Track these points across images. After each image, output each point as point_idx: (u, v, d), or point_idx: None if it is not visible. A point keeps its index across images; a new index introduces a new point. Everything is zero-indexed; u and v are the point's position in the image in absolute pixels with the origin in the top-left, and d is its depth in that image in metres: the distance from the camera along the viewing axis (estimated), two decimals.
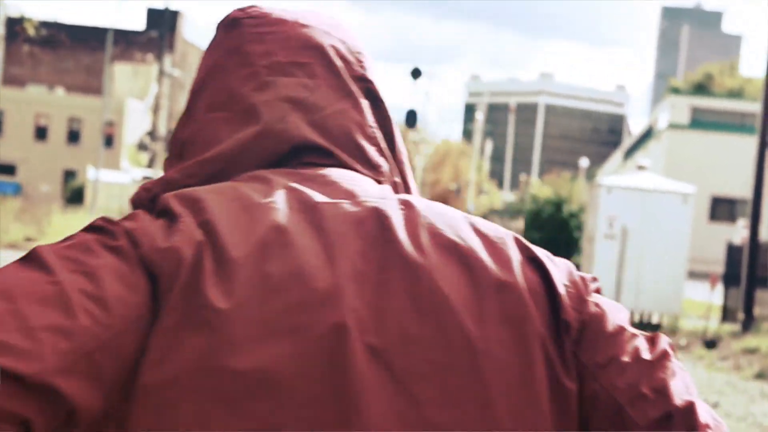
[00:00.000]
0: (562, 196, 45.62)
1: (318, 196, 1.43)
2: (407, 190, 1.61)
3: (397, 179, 1.60)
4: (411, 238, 1.42)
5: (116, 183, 60.60)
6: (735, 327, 24.90)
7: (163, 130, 42.30)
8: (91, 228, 1.42)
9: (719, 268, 32.59)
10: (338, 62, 1.59)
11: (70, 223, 47.31)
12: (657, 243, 26.39)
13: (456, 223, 1.47)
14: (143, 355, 1.28)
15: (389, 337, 1.35)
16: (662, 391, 1.43)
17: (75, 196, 65.76)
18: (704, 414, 1.43)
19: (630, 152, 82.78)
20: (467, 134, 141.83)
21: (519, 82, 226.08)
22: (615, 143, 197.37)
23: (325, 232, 1.39)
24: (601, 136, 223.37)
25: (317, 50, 1.58)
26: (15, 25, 26.27)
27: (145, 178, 41.31)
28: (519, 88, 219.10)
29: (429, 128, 56.32)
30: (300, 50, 1.57)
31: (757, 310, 24.63)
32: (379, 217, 1.43)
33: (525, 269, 1.47)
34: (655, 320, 26.49)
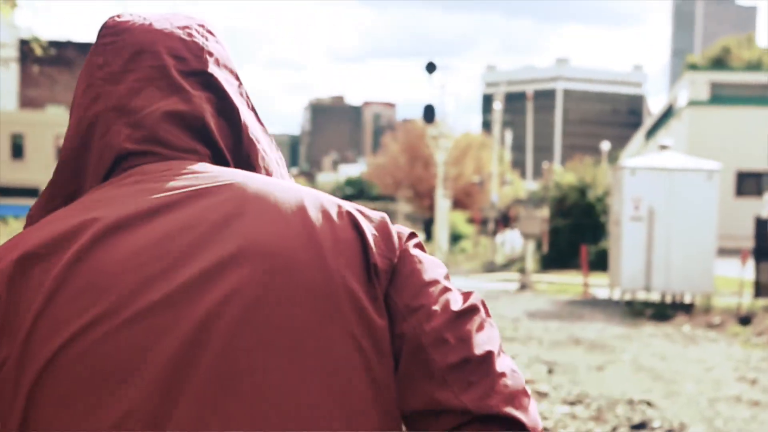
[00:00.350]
0: (586, 182, 45.38)
1: (133, 195, 1.65)
2: (253, 165, 1.80)
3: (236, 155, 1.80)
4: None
5: None
6: None
7: None
8: None
9: (749, 244, 32.31)
10: (170, 61, 1.74)
11: None
12: (684, 222, 26.24)
13: (272, 191, 1.69)
14: None
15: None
16: (464, 340, 1.64)
17: None
18: (502, 364, 1.64)
19: (651, 132, 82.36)
20: (487, 126, 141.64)
21: (535, 69, 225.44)
22: (636, 124, 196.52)
23: (128, 216, 1.63)
24: (621, 117, 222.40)
25: (150, 54, 1.73)
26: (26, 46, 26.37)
27: None
28: (535, 75, 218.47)
29: (447, 122, 56.02)
30: (133, 57, 1.73)
31: None
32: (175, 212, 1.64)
33: (340, 225, 1.68)
34: (687, 300, 26.32)
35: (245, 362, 1.55)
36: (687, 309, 25.23)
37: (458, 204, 75.15)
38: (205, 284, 1.57)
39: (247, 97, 1.84)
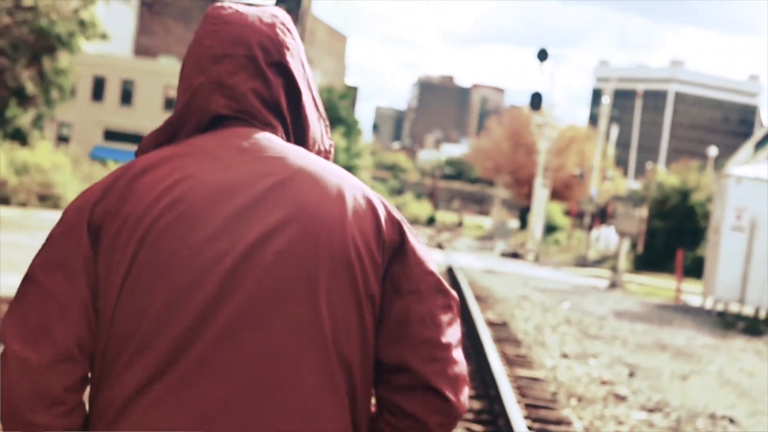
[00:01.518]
0: (689, 185, 44.50)
1: (214, 148, 2.26)
2: (303, 140, 2.39)
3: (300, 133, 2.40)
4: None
5: None
6: None
7: None
8: None
9: None
10: (259, 53, 2.32)
11: None
12: None
13: (308, 167, 2.26)
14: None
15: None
16: (439, 326, 2.23)
17: None
18: (457, 355, 2.24)
19: (761, 144, 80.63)
20: (594, 120, 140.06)
21: (648, 69, 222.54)
22: (746, 134, 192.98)
23: (212, 157, 2.24)
24: (732, 126, 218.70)
25: (244, 45, 2.31)
26: None
27: None
28: (648, 74, 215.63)
29: (554, 112, 55.40)
30: (231, 45, 2.31)
31: None
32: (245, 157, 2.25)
33: (362, 205, 2.25)
34: None
35: (269, 295, 2.15)
36: None
37: (556, 195, 74.46)
38: (254, 224, 2.17)
39: (308, 80, 2.42)
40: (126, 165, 2.26)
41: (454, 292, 2.30)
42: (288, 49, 2.37)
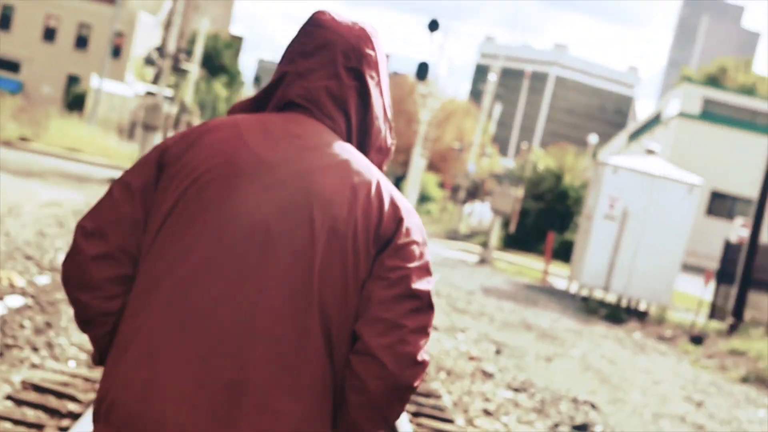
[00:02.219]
0: (565, 169, 45.12)
1: (275, 126, 2.71)
2: (367, 138, 2.82)
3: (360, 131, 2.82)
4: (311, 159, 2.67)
5: (119, 94, 59.93)
6: (722, 325, 24.56)
7: (172, 47, 41.57)
8: None
9: (710, 263, 32.18)
10: (339, 57, 2.75)
11: (68, 129, 46.71)
12: (656, 230, 26.02)
13: (342, 158, 2.69)
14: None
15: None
16: (402, 314, 2.60)
17: (76, 103, 65.07)
18: (414, 340, 2.60)
19: (635, 135, 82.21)
20: (475, 95, 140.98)
21: (533, 50, 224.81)
22: (619, 124, 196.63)
23: (268, 134, 2.70)
24: (607, 115, 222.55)
25: (329, 48, 2.76)
26: None
27: (149, 93, 40.76)
28: (532, 55, 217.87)
29: (439, 83, 55.55)
30: (319, 47, 2.77)
31: (747, 313, 24.27)
32: (293, 142, 2.69)
33: (373, 197, 2.66)
34: (642, 307, 26.16)
35: (275, 256, 2.59)
36: (641, 316, 25.07)
37: (432, 167, 74.83)
38: (276, 198, 2.62)
39: (382, 88, 2.84)
40: (205, 121, 2.77)
41: (424, 286, 2.66)
42: (366, 59, 2.80)
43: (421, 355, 2.61)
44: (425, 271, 2.68)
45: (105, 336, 2.73)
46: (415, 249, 2.66)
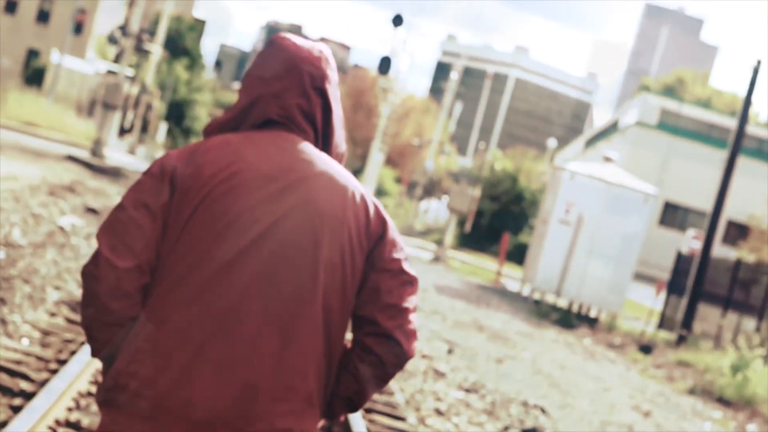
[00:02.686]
0: (522, 172, 45.25)
1: (263, 142, 3.11)
2: (328, 145, 3.24)
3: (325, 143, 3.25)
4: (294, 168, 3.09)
5: (79, 71, 59.40)
6: (670, 336, 24.76)
7: (135, 26, 41.24)
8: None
9: (661, 273, 32.39)
10: (306, 79, 3.17)
11: (26, 103, 46.23)
12: (610, 237, 26.16)
13: (328, 171, 3.12)
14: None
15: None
16: (402, 296, 3.10)
17: (35, 77, 64.43)
18: (413, 317, 3.12)
19: (592, 141, 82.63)
20: (435, 92, 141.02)
21: (494, 51, 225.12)
22: (576, 129, 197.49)
23: (259, 148, 3.09)
24: (565, 119, 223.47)
25: (296, 70, 3.17)
26: None
27: (110, 72, 40.46)
28: (493, 56, 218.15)
29: (400, 78, 55.48)
30: (287, 69, 3.17)
31: (696, 325, 24.47)
32: (284, 153, 3.10)
33: (359, 204, 3.11)
34: (593, 314, 26.30)
35: (284, 256, 2.99)
36: (591, 323, 25.21)
37: (389, 162, 74.75)
38: (280, 204, 3.02)
39: (337, 101, 3.26)
40: (201, 141, 3.16)
41: (413, 273, 3.19)
42: (327, 78, 3.23)
43: (415, 330, 3.18)
44: (406, 258, 3.20)
45: (121, 338, 3.06)
46: (399, 242, 3.19)
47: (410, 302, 3.14)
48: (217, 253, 3.00)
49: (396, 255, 3.15)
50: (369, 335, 3.10)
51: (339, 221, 3.06)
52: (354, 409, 3.24)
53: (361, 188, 3.17)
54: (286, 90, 3.17)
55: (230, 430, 2.94)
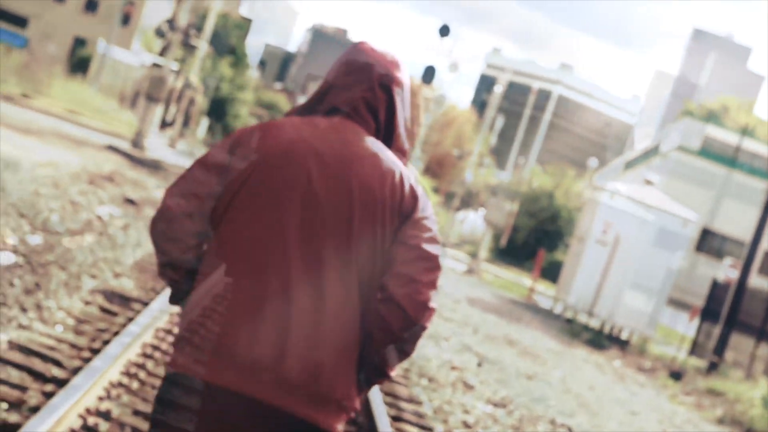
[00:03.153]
0: (561, 190, 45.06)
1: (323, 125, 3.51)
2: (390, 140, 3.60)
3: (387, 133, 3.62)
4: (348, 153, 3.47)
5: (124, 62, 59.69)
6: (701, 363, 24.54)
7: (183, 21, 41.40)
8: None
9: (695, 300, 32.09)
10: (375, 76, 3.55)
11: (70, 90, 46.47)
12: (646, 260, 25.97)
13: (374, 154, 3.47)
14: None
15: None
16: (420, 271, 3.35)
17: (80, 65, 64.78)
18: (429, 291, 3.37)
19: (632, 163, 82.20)
20: (477, 104, 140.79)
21: (538, 66, 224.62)
22: (617, 150, 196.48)
23: (318, 130, 3.50)
24: (606, 139, 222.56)
25: (367, 67, 3.57)
26: None
27: (155, 65, 40.55)
28: (537, 72, 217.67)
29: (443, 88, 55.46)
30: (360, 67, 3.58)
31: (728, 353, 24.25)
32: (341, 141, 3.48)
33: (398, 183, 3.44)
34: (624, 336, 26.11)
35: (325, 225, 3.35)
36: (622, 345, 25.02)
37: (428, 171, 74.77)
38: (327, 180, 3.40)
39: (405, 104, 3.64)
40: (272, 120, 3.55)
41: (434, 252, 3.45)
42: (395, 80, 3.62)
43: (431, 303, 3.40)
44: (434, 240, 3.47)
45: (181, 279, 3.54)
46: (427, 223, 3.46)
47: (425, 276, 3.38)
48: (265, 216, 3.38)
49: (417, 232, 3.43)
50: (380, 301, 3.38)
51: (374, 198, 3.39)
52: (381, 375, 3.52)
53: (405, 171, 3.52)
54: (355, 83, 3.56)
55: (274, 375, 3.26)
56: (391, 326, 3.36)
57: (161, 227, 3.49)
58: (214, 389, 3.29)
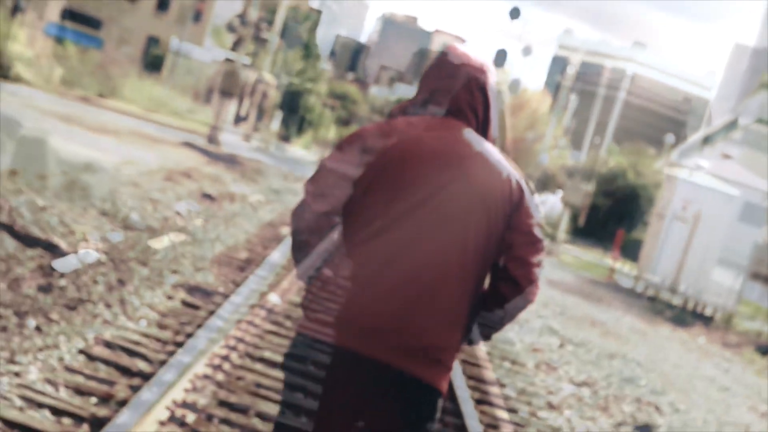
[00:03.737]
0: (638, 168, 44.64)
1: (436, 124, 4.00)
2: (486, 135, 4.03)
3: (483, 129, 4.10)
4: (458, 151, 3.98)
5: (197, 59, 60.23)
6: None
7: (254, 15, 41.68)
8: None
9: None
10: (473, 80, 4.02)
11: (144, 89, 46.97)
12: (728, 237, 25.66)
13: (482, 151, 3.96)
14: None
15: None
16: (531, 253, 3.92)
17: (154, 64, 65.48)
18: (537, 270, 3.94)
19: (710, 138, 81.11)
20: (550, 86, 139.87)
21: (610, 46, 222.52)
22: (693, 125, 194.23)
23: (433, 131, 4.00)
24: (682, 115, 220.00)
25: (464, 73, 4.03)
26: None
27: (228, 60, 40.88)
28: (610, 51, 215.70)
29: (514, 71, 55.17)
30: (459, 72, 4.04)
31: None
32: (452, 140, 3.96)
33: (505, 179, 3.92)
34: (708, 312, 25.82)
35: (442, 219, 3.85)
36: (706, 321, 24.75)
37: (503, 154, 74.41)
38: (442, 177, 3.88)
39: (494, 102, 4.06)
40: (390, 121, 4.03)
41: (540, 236, 3.99)
42: (487, 84, 4.07)
43: (539, 282, 4.00)
44: (540, 225, 4.01)
45: (307, 258, 4.22)
46: (533, 210, 3.97)
47: (535, 258, 3.95)
48: (395, 208, 3.86)
49: (528, 220, 3.95)
50: (500, 280, 3.95)
51: (488, 191, 3.88)
52: (487, 338, 4.30)
53: (508, 166, 3.98)
54: (456, 87, 4.04)
55: (396, 341, 3.81)
56: (506, 296, 3.95)
57: (305, 223, 4.05)
58: (341, 351, 3.89)
